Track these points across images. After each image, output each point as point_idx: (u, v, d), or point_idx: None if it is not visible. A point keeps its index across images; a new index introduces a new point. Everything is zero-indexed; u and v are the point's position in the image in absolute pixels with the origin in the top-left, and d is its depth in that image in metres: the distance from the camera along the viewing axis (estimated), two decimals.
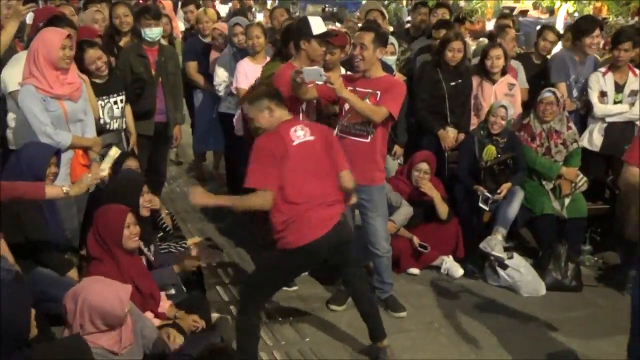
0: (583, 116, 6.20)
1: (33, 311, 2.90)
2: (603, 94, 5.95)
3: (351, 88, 4.41)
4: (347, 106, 4.44)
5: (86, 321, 3.01)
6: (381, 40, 4.47)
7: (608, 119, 5.90)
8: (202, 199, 3.88)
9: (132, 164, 4.63)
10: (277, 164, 3.65)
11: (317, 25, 4.58)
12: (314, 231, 3.69)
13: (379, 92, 4.40)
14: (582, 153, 5.80)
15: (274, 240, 3.76)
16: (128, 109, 5.30)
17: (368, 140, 4.43)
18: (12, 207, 3.72)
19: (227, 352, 2.90)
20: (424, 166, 5.42)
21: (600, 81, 5.90)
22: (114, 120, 5.07)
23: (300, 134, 3.78)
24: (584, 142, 6.05)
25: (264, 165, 3.65)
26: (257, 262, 3.72)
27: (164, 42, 6.19)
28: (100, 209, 3.66)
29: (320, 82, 4.19)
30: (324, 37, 4.60)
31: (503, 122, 5.45)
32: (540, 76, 6.28)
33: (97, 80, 4.98)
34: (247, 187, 3.67)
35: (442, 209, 5.41)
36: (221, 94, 6.34)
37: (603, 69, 5.98)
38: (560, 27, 11.38)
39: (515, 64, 6.24)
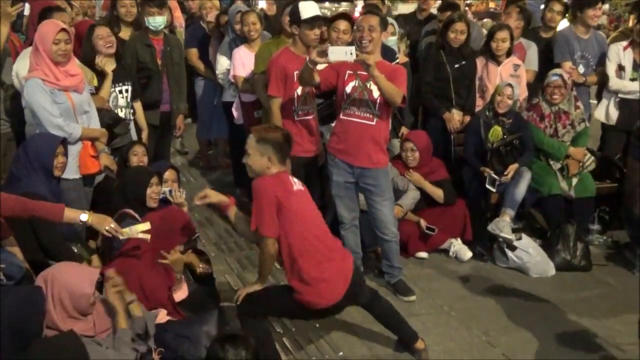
0: (598, 89, 6.18)
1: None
2: (621, 68, 5.94)
3: (351, 72, 4.41)
4: (348, 89, 4.43)
5: (56, 301, 3.04)
6: (385, 24, 4.52)
7: (621, 95, 5.91)
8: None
9: (138, 150, 4.72)
10: (279, 210, 3.49)
11: (307, 10, 4.59)
12: (335, 292, 3.55)
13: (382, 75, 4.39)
14: (601, 128, 5.78)
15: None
16: (138, 105, 5.31)
17: (374, 123, 4.44)
18: None
19: (246, 338, 2.90)
20: (408, 145, 5.41)
21: (620, 54, 5.93)
22: (120, 110, 5.09)
23: (296, 180, 3.67)
24: (601, 116, 6.05)
25: (272, 214, 3.47)
26: (269, 290, 3.62)
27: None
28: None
29: (350, 61, 4.09)
30: (312, 22, 4.61)
31: (509, 102, 5.42)
32: (549, 50, 6.24)
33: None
34: (262, 234, 3.50)
35: (437, 194, 5.43)
36: (224, 83, 6.33)
37: (624, 43, 5.96)
38: None
39: (526, 43, 6.15)
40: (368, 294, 3.90)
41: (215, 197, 3.75)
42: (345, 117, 4.50)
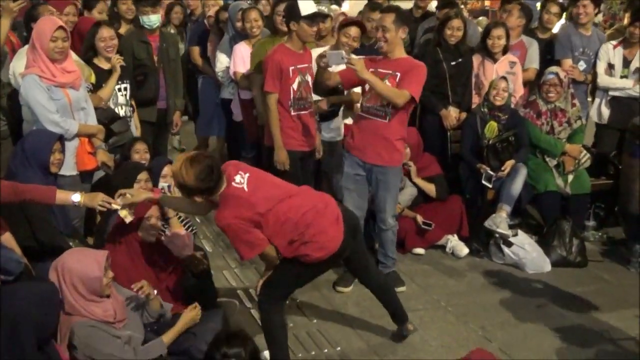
0: (592, 87, 6.24)
1: None
2: (610, 66, 5.99)
3: (373, 69, 4.44)
4: (367, 87, 4.48)
5: (70, 288, 3.09)
6: (403, 19, 4.48)
7: (611, 92, 5.95)
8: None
9: (140, 147, 4.72)
10: (256, 220, 3.42)
11: (306, 7, 4.62)
12: (335, 237, 3.53)
13: (398, 74, 4.44)
14: (595, 126, 5.82)
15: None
16: (133, 103, 5.32)
17: (386, 121, 4.48)
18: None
19: (244, 336, 2.92)
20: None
21: (610, 53, 5.98)
22: (119, 107, 5.09)
23: (239, 179, 3.45)
24: (593, 115, 6.09)
25: (253, 234, 3.42)
26: (278, 269, 3.63)
27: None
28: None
29: (342, 65, 4.20)
30: (312, 18, 4.64)
31: (505, 94, 5.44)
32: (546, 51, 6.25)
33: (104, 67, 5.03)
34: (259, 253, 3.51)
35: (429, 189, 5.47)
36: (223, 80, 6.33)
37: (614, 42, 6.01)
38: None
39: (527, 41, 6.15)
40: (364, 245, 4.03)
41: (138, 196, 3.56)
42: (361, 114, 4.60)
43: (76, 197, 3.44)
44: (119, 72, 5.01)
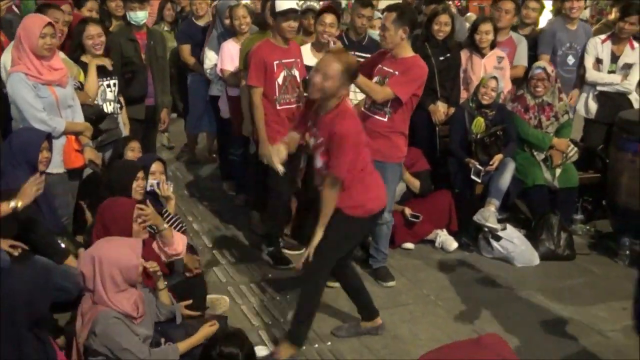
0: (580, 82, 6.26)
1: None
2: (599, 61, 6.03)
3: (380, 66, 4.51)
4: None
5: (107, 279, 3.11)
6: (405, 19, 4.44)
7: (599, 87, 5.99)
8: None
9: (134, 146, 4.74)
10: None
11: (282, 3, 4.66)
12: (384, 196, 3.89)
13: (397, 73, 4.44)
14: (583, 121, 5.85)
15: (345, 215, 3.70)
16: (121, 99, 5.29)
17: (385, 119, 4.54)
18: None
19: (242, 336, 2.93)
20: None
21: (598, 48, 6.02)
22: (108, 103, 5.06)
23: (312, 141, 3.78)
24: (581, 109, 6.13)
25: (354, 157, 3.62)
26: (328, 232, 3.68)
27: None
28: (106, 204, 3.65)
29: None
30: (286, 14, 4.67)
31: (493, 94, 5.46)
32: (529, 47, 6.24)
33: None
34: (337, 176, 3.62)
35: (414, 184, 5.50)
36: (212, 77, 6.31)
37: (603, 36, 6.04)
38: None
39: (516, 38, 6.16)
40: None
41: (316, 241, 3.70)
42: (363, 111, 4.64)
43: (12, 204, 3.49)
44: (94, 65, 4.93)
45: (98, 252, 3.16)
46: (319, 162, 3.72)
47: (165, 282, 3.58)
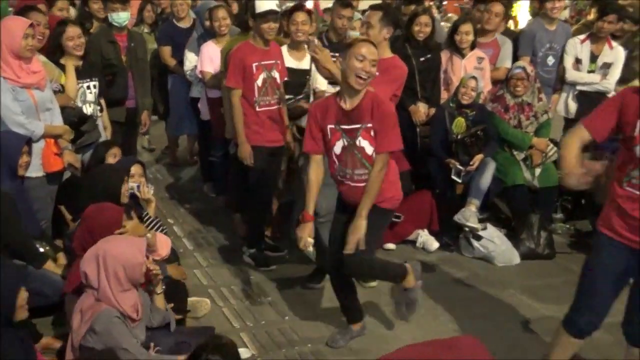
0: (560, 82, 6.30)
1: (25, 293, 2.94)
2: (578, 61, 6.08)
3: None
4: None
5: (111, 277, 3.09)
6: (389, 20, 4.46)
7: (578, 87, 6.05)
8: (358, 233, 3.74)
9: (116, 152, 4.70)
10: None
11: (261, 5, 4.66)
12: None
13: (377, 73, 4.42)
14: (564, 119, 5.89)
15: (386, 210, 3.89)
16: (102, 102, 5.26)
17: None
18: None
19: (230, 344, 2.92)
20: None
21: (577, 48, 6.07)
22: (88, 105, 5.04)
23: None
24: (560, 109, 6.17)
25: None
26: (370, 225, 3.74)
27: None
28: (92, 210, 3.60)
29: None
30: (264, 16, 4.67)
31: (473, 94, 5.49)
32: None
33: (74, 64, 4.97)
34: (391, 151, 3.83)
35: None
36: (192, 79, 6.29)
37: (582, 37, 6.09)
38: None
39: (501, 39, 6.17)
40: None
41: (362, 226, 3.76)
42: None
43: None
44: (71, 66, 4.90)
45: (102, 250, 3.15)
46: (368, 148, 3.81)
47: (163, 287, 3.54)
